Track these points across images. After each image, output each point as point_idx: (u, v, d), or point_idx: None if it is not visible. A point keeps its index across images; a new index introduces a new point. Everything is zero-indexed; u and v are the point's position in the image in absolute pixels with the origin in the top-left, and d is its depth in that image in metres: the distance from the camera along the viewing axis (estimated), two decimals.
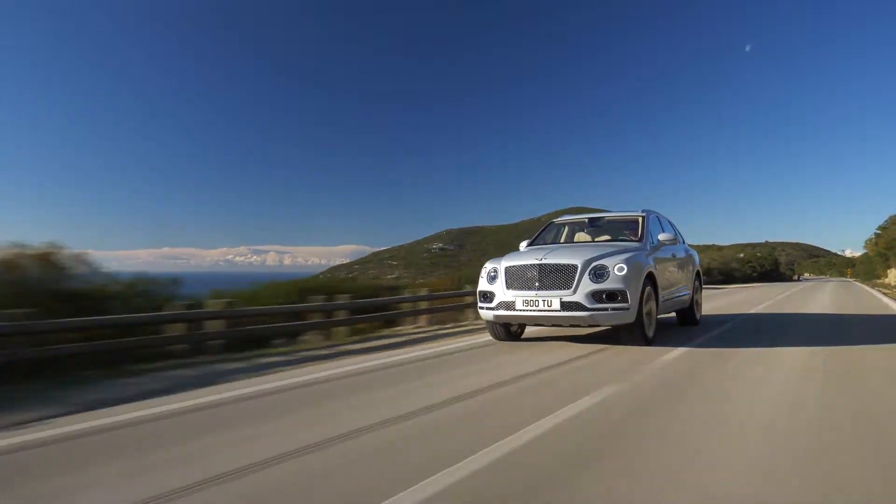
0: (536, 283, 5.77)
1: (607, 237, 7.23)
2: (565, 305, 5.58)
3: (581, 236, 7.44)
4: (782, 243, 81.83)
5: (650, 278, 6.07)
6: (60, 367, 4.91)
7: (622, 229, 7.26)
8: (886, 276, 28.25)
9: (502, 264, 6.12)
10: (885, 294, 19.10)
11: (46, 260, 5.94)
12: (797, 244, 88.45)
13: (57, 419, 3.41)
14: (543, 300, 5.68)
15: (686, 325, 7.93)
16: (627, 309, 5.55)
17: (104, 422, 3.29)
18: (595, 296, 5.54)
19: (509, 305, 5.89)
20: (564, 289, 5.63)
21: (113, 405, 3.73)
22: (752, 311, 10.89)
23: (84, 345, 5.10)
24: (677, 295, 7.38)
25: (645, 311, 5.85)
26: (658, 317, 6.33)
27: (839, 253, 67.20)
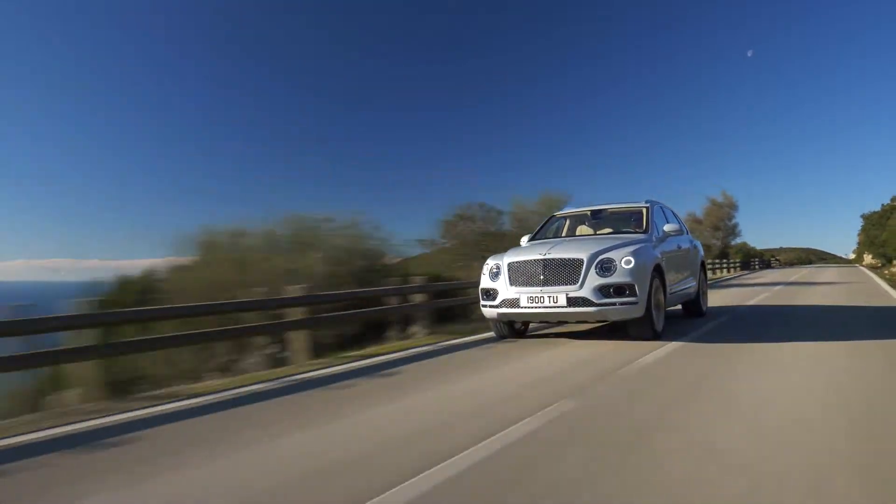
0: (541, 279, 5.58)
1: (610, 230, 7.03)
2: (572, 301, 5.39)
3: (583, 229, 7.26)
4: (794, 248, 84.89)
5: (658, 271, 5.89)
6: None
7: (626, 221, 7.08)
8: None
9: (505, 260, 5.93)
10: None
11: None
12: (806, 249, 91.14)
13: None
14: (549, 296, 5.49)
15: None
16: (636, 303, 5.37)
17: None
18: (602, 290, 5.35)
19: (513, 303, 5.70)
20: (570, 284, 5.44)
21: None
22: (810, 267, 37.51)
23: None
24: (684, 287, 7.21)
25: (653, 304, 5.67)
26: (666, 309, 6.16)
27: (843, 256, 72.98)
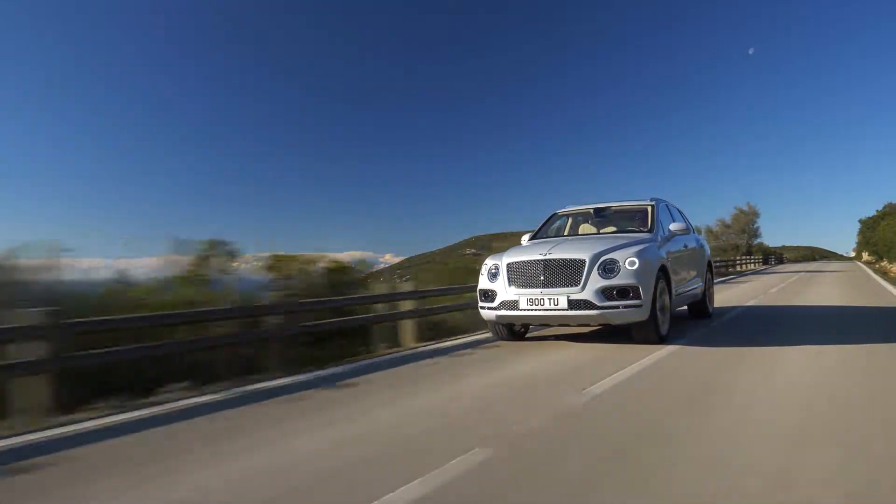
0: (541, 280, 5.35)
1: (614, 228, 6.79)
2: (573, 304, 5.16)
3: (586, 228, 7.01)
4: (798, 247, 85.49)
5: (663, 272, 5.65)
6: None
7: (630, 220, 6.83)
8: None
9: (504, 260, 5.70)
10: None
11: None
12: (809, 247, 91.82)
13: None
14: (549, 298, 5.26)
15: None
16: (640, 306, 5.13)
17: None
18: (605, 292, 5.12)
19: (512, 305, 5.47)
20: (572, 286, 5.21)
21: None
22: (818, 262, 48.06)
23: None
24: (690, 288, 6.96)
25: (658, 306, 5.43)
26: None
27: (844, 255, 74.67)
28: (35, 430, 3.25)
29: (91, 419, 3.49)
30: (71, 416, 3.56)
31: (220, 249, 6.81)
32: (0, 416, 3.59)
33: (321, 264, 7.61)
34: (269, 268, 7.11)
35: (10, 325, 3.69)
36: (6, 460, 2.74)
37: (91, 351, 4.08)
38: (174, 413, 3.61)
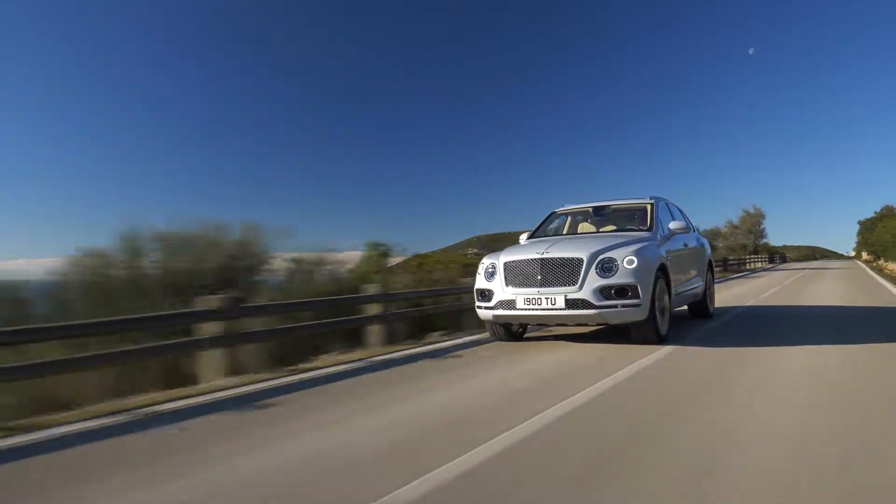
0: (538, 279, 5.29)
1: (613, 227, 6.74)
2: (570, 303, 5.10)
3: (585, 227, 6.96)
4: (798, 246, 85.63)
5: (662, 271, 5.59)
6: None
7: (630, 218, 6.78)
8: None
9: (501, 259, 5.64)
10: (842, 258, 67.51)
11: None
12: (810, 247, 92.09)
13: None
14: (547, 298, 5.20)
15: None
16: (639, 305, 5.07)
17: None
18: (603, 292, 5.06)
19: (509, 304, 5.42)
20: (569, 285, 5.15)
21: None
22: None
23: None
24: (691, 287, 6.91)
25: (657, 306, 5.38)
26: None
27: (844, 254, 75.24)
28: (386, 353, 5.63)
29: (408, 349, 5.89)
30: (394, 347, 5.95)
31: (380, 249, 9.43)
32: (361, 346, 6.19)
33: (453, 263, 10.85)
34: (418, 264, 10.03)
35: (365, 294, 6.34)
36: (404, 361, 5.11)
37: (405, 310, 6.89)
38: (446, 348, 5.84)
